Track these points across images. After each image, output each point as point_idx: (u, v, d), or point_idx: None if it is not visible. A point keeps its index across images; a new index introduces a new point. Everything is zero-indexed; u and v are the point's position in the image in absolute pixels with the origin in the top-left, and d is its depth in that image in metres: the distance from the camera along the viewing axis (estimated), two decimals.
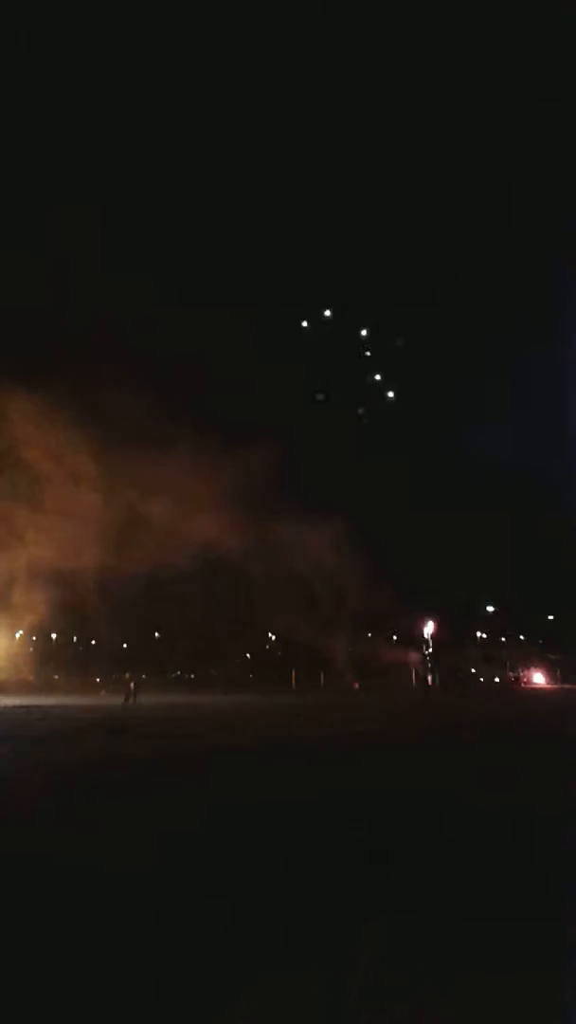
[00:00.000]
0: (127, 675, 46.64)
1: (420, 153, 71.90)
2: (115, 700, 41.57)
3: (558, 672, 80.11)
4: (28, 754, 15.59)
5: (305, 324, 69.20)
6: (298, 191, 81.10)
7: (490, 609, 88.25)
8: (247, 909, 5.39)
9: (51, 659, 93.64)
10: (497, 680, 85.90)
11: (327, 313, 68.62)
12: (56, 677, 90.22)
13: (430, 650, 69.46)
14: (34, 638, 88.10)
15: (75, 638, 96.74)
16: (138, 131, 77.42)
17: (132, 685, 41.57)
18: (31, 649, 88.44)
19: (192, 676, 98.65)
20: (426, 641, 67.54)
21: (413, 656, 74.49)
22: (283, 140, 79.60)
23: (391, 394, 75.47)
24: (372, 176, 79.05)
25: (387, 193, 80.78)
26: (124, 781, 11.90)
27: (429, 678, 66.10)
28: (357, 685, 71.79)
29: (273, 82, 73.83)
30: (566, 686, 67.90)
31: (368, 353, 72.63)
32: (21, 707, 33.50)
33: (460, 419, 74.90)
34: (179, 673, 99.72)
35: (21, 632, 77.89)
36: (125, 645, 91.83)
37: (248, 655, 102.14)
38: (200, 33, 63.68)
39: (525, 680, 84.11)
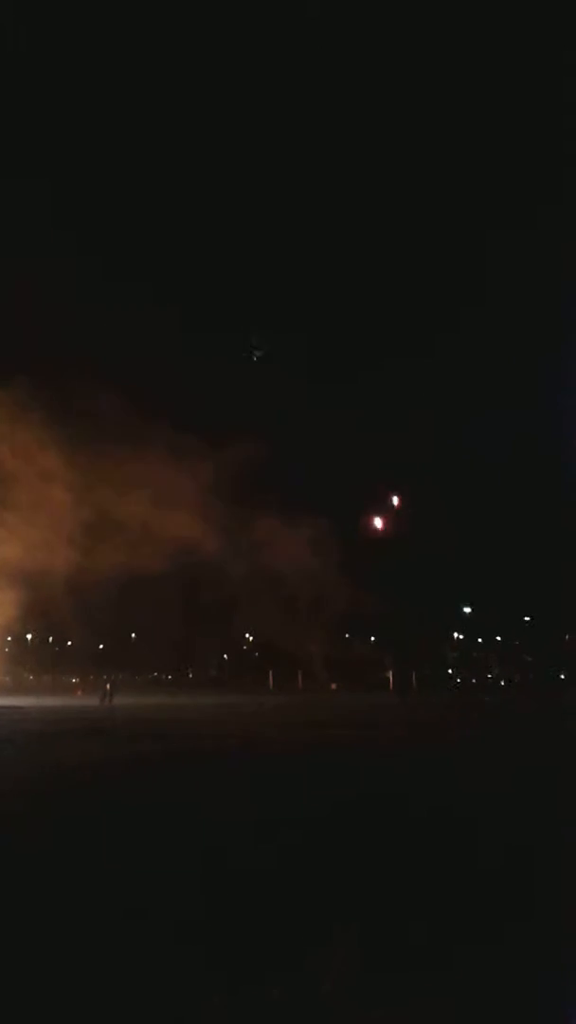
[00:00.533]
0: (105, 677, 46.74)
1: (419, 157, 72.02)
2: (91, 701, 41.54)
3: (531, 674, 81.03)
4: (19, 754, 15.42)
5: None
6: (289, 190, 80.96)
7: (467, 610, 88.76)
8: (240, 903, 5.32)
9: (27, 659, 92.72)
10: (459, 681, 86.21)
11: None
12: (31, 677, 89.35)
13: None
14: (9, 638, 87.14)
15: (51, 638, 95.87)
16: (131, 130, 77.26)
17: (108, 686, 41.98)
18: (6, 649, 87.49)
19: (169, 677, 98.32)
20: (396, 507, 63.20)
21: (389, 658, 74.66)
22: (281, 143, 79.55)
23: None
24: (370, 178, 79.22)
25: (385, 194, 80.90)
26: (111, 780, 11.79)
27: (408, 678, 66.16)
28: (335, 686, 71.94)
29: (273, 84, 73.70)
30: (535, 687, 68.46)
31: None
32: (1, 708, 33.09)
33: (446, 414, 75.17)
34: (156, 674, 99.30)
35: None
36: (101, 646, 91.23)
37: (225, 656, 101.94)
38: (199, 36, 63.61)
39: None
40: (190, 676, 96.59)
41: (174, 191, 76.50)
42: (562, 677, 74.80)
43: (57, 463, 52.08)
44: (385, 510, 62.04)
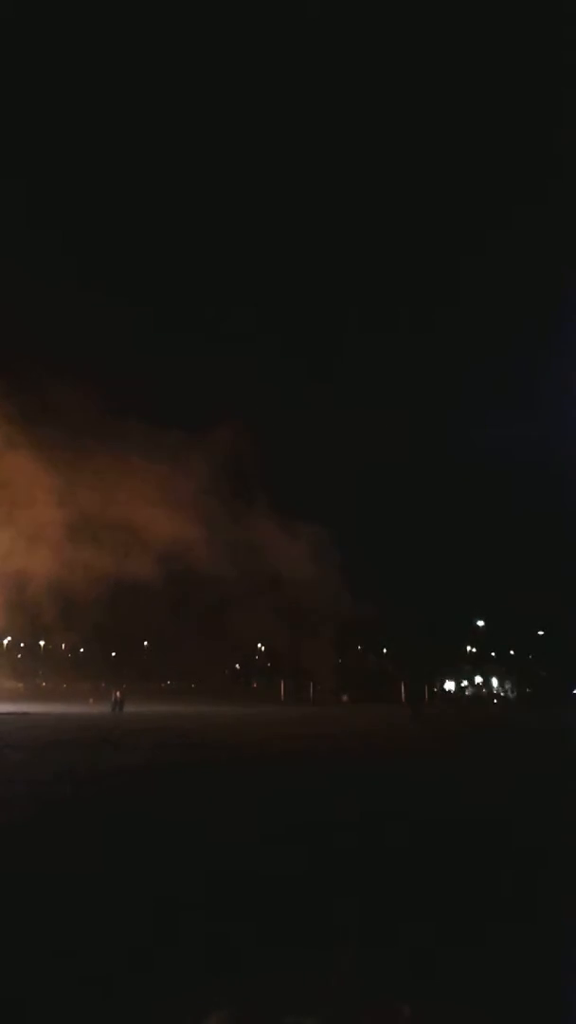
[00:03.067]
0: (115, 688, 47.26)
1: (419, 158, 72.18)
2: (103, 709, 42.17)
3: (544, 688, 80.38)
4: (34, 760, 15.58)
5: None
6: (284, 186, 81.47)
7: (480, 623, 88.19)
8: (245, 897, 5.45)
9: (39, 667, 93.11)
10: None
11: None
12: (44, 684, 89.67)
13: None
14: (22, 644, 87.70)
15: (64, 646, 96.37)
16: (123, 128, 77.88)
17: (118, 694, 42.64)
18: (19, 656, 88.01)
19: (180, 686, 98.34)
20: None
21: (402, 670, 74.35)
22: (279, 143, 79.97)
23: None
24: (369, 179, 79.41)
25: (383, 197, 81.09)
26: (126, 785, 11.92)
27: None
28: (346, 698, 71.74)
29: (271, 87, 74.18)
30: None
31: None
32: (11, 714, 33.30)
33: (458, 425, 75.03)
34: (168, 683, 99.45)
35: (9, 639, 77.54)
36: (114, 654, 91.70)
37: (237, 666, 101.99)
38: (199, 36, 64.21)
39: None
40: (201, 685, 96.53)
41: (166, 190, 76.94)
42: (575, 692, 74.11)
43: (63, 468, 52.22)
44: None
